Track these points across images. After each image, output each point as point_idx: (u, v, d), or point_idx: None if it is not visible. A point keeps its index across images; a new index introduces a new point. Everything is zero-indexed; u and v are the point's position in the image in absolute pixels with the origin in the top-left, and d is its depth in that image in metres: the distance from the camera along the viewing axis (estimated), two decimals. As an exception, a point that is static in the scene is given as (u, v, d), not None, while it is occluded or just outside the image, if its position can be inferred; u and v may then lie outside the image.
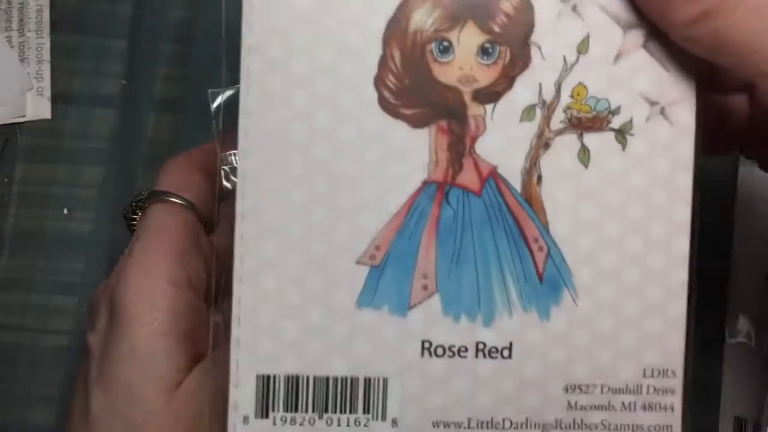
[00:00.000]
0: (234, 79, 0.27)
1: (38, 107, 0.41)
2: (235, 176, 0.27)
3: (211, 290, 0.31)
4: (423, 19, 0.25)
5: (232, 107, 0.26)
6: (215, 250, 0.32)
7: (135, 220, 0.32)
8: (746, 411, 0.37)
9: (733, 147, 0.31)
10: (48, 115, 0.41)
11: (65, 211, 0.40)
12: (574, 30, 0.25)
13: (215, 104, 0.31)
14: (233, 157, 0.29)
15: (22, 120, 0.41)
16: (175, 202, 0.31)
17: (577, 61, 0.25)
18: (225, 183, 0.29)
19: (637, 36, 0.25)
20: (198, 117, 0.41)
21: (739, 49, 0.23)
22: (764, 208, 0.39)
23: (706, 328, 0.29)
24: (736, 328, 0.38)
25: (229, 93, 0.29)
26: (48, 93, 0.41)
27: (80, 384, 0.29)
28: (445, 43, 0.25)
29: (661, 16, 0.24)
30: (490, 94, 0.25)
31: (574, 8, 0.25)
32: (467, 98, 0.25)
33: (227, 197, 0.34)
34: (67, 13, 0.42)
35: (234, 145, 0.26)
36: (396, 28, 0.25)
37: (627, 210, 0.25)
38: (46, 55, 0.41)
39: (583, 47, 0.25)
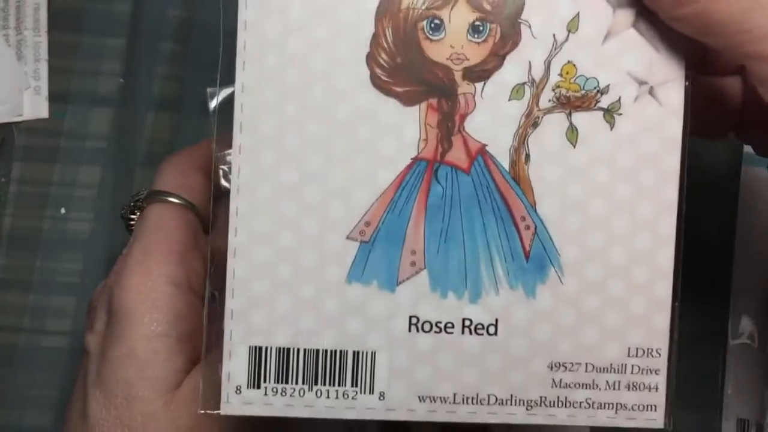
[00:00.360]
0: (231, 78, 0.27)
1: (35, 106, 0.41)
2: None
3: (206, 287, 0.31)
4: None
5: (229, 107, 0.26)
6: (210, 249, 0.32)
7: (133, 220, 0.31)
8: (749, 412, 0.37)
9: (728, 130, 0.31)
10: (45, 114, 0.41)
11: (63, 211, 0.39)
12: (564, 8, 0.25)
13: (213, 103, 0.31)
14: (230, 157, 0.29)
15: (20, 119, 0.40)
16: (173, 202, 0.31)
17: (566, 39, 0.25)
18: (222, 182, 0.29)
19: (627, 15, 0.25)
20: (196, 116, 0.41)
21: (725, 29, 0.23)
22: (767, 210, 0.39)
23: (708, 328, 0.29)
24: (738, 329, 0.38)
25: (226, 92, 0.29)
26: (45, 92, 0.41)
27: (79, 385, 0.29)
28: (437, 21, 0.25)
29: None
30: (480, 72, 0.25)
31: None
32: (457, 76, 0.25)
33: (224, 196, 0.34)
34: (65, 12, 0.42)
35: (230, 145, 0.26)
36: (389, 5, 0.25)
37: (614, 189, 0.25)
38: (44, 53, 0.41)
39: (573, 26, 0.25)
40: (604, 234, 0.25)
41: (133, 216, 0.32)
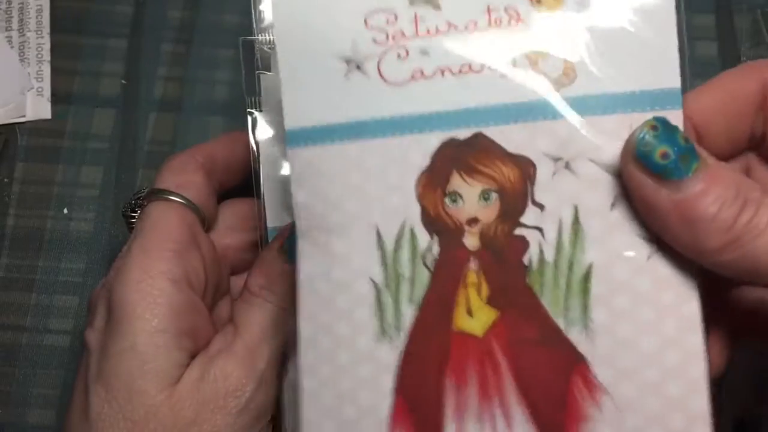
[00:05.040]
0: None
1: (38, 107, 0.41)
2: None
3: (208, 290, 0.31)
4: None
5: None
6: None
7: (134, 218, 0.32)
8: (746, 411, 0.37)
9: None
10: (48, 115, 0.41)
11: (65, 211, 0.40)
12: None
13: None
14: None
15: (22, 120, 0.41)
16: (174, 201, 0.31)
17: None
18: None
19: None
20: (197, 117, 0.41)
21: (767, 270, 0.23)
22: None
23: (708, 328, 0.29)
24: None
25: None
26: (48, 93, 0.41)
27: (80, 381, 0.29)
28: None
29: (692, 245, 0.24)
30: None
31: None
32: None
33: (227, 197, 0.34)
34: (67, 13, 0.42)
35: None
36: None
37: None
38: (46, 55, 0.41)
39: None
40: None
41: (133, 214, 0.32)
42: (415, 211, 0.26)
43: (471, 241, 0.26)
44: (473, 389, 0.26)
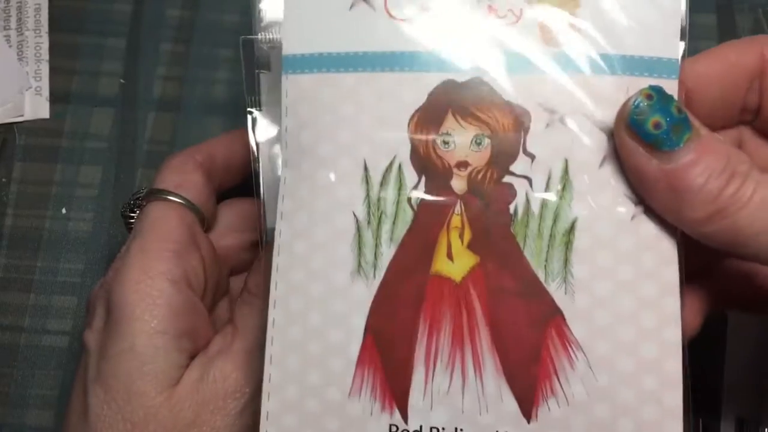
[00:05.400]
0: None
1: (36, 107, 0.41)
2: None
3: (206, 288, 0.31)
4: None
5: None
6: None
7: (133, 218, 0.32)
8: (747, 412, 0.37)
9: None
10: (46, 114, 0.41)
11: (64, 211, 0.40)
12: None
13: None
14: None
15: (21, 119, 0.41)
16: (172, 201, 0.31)
17: None
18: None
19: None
20: (197, 117, 0.41)
21: (752, 241, 0.23)
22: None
23: (708, 327, 0.29)
24: (737, 330, 0.38)
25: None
26: (46, 92, 0.41)
27: (78, 382, 0.29)
28: None
29: (677, 214, 0.24)
30: None
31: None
32: None
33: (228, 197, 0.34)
34: (66, 12, 0.42)
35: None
36: None
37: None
38: (45, 54, 0.41)
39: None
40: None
41: (132, 214, 0.32)
42: (406, 148, 0.26)
43: (458, 184, 0.26)
44: (446, 334, 0.26)
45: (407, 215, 0.26)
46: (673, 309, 0.25)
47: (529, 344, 0.25)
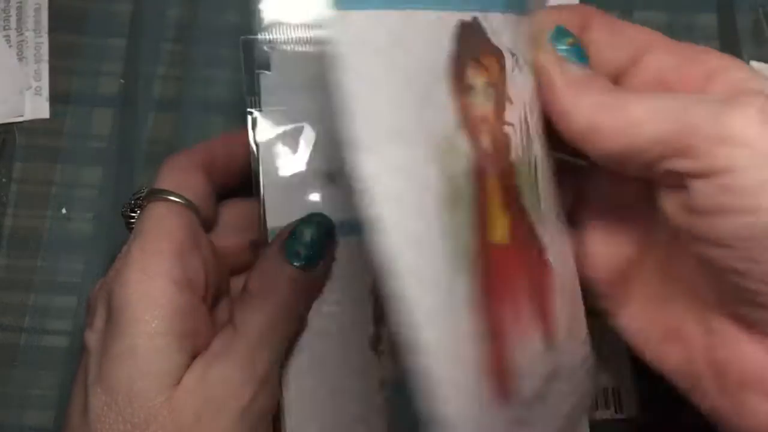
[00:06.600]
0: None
1: (36, 107, 0.41)
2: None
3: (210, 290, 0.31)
4: None
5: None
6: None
7: (133, 218, 0.31)
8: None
9: None
10: (46, 114, 0.41)
11: (64, 211, 0.40)
12: None
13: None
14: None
15: (21, 119, 0.40)
16: (173, 201, 0.31)
17: None
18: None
19: None
20: (197, 117, 0.41)
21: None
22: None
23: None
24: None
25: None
26: (46, 92, 0.41)
27: (79, 382, 0.29)
28: None
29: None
30: None
31: None
32: None
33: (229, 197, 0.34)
34: (66, 12, 0.42)
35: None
36: None
37: None
38: (45, 54, 0.41)
39: None
40: None
41: (133, 214, 0.32)
42: (453, 109, 0.22)
43: (485, 143, 0.23)
44: (510, 297, 0.24)
45: (469, 187, 0.23)
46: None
47: (541, 283, 0.26)
